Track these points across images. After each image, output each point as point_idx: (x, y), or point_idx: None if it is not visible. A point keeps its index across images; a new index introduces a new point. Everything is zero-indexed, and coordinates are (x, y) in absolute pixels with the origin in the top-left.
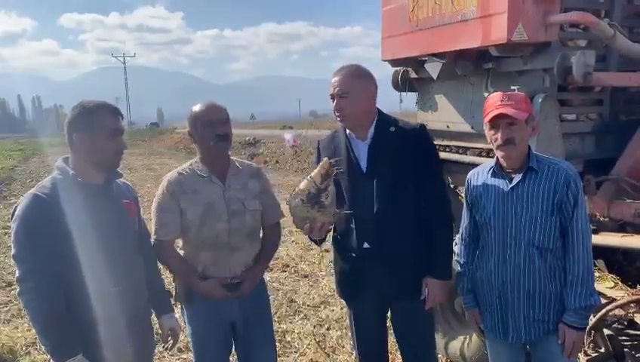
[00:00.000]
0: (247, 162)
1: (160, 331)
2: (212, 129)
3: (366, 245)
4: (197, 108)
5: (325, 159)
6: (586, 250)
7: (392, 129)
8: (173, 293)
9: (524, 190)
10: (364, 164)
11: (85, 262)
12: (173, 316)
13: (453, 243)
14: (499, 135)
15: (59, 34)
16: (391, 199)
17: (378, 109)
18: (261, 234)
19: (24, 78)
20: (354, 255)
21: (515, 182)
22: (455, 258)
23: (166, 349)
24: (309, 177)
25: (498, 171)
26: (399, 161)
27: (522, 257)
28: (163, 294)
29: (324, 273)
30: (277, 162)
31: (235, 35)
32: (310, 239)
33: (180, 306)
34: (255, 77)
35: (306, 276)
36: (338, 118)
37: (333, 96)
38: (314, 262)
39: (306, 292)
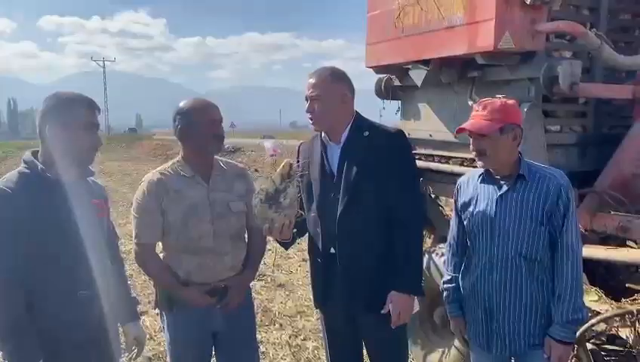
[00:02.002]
0: (232, 162)
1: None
2: (213, 128)
3: (332, 250)
4: (196, 105)
5: (286, 160)
6: (575, 262)
7: (366, 133)
8: (154, 299)
9: (513, 198)
10: (334, 168)
11: (51, 263)
12: (139, 324)
13: (436, 255)
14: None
15: (38, 36)
16: (356, 204)
17: (357, 113)
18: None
19: (0, 79)
20: (320, 260)
21: (504, 189)
22: (442, 265)
23: (130, 359)
24: (269, 177)
25: (487, 178)
26: (369, 165)
27: (509, 267)
28: (129, 300)
29: (301, 283)
30: (256, 170)
31: (218, 43)
32: (277, 242)
33: (160, 313)
34: (237, 86)
35: (282, 285)
36: (310, 121)
37: (307, 98)
38: (291, 271)
39: (282, 301)
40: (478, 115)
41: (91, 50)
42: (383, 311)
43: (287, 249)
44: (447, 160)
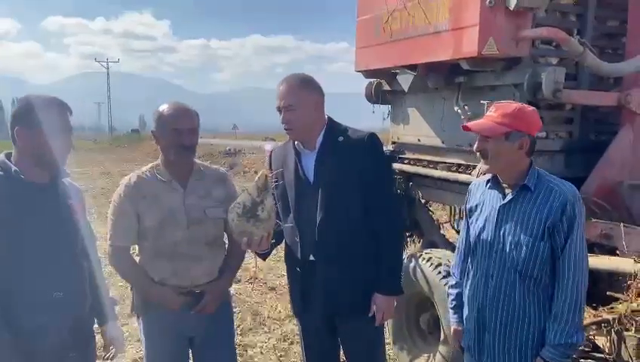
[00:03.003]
0: (213, 166)
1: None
2: (178, 138)
3: (311, 258)
4: (166, 110)
5: (262, 171)
6: (576, 283)
7: (341, 138)
8: (131, 303)
9: (515, 209)
10: (310, 175)
11: (25, 267)
12: (117, 325)
13: (422, 260)
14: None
15: (42, 37)
16: (335, 210)
17: (329, 118)
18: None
19: (4, 80)
20: (298, 269)
21: (507, 199)
22: (428, 270)
23: (106, 359)
24: (245, 189)
25: (494, 184)
26: (346, 171)
27: (504, 281)
28: (106, 301)
29: None
30: (256, 172)
31: (221, 45)
32: (255, 253)
33: (137, 317)
34: (239, 88)
35: (273, 288)
36: (286, 131)
37: (279, 109)
38: (283, 275)
39: (272, 305)
40: (489, 116)
41: (95, 51)
42: (369, 314)
43: (265, 259)
44: (435, 165)
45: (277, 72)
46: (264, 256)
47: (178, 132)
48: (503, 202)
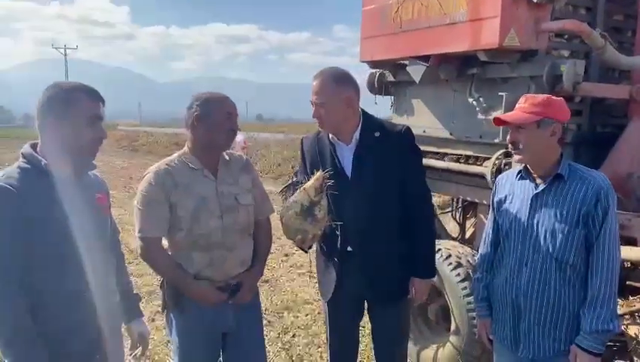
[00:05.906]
0: (236, 154)
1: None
2: (230, 121)
3: (349, 249)
4: (212, 96)
5: (320, 172)
6: (610, 270)
7: (377, 134)
8: (161, 298)
9: (549, 198)
10: (348, 170)
11: (56, 264)
12: (143, 321)
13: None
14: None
15: None
16: (375, 204)
17: (363, 111)
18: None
19: None
20: (337, 259)
21: (540, 188)
22: (474, 263)
23: (134, 357)
24: (302, 189)
25: (525, 175)
26: (384, 166)
27: (539, 268)
28: (132, 297)
29: (285, 278)
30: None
31: (181, 33)
32: (298, 246)
33: (166, 315)
34: (200, 77)
35: (266, 281)
36: (318, 125)
37: (312, 103)
38: (273, 267)
39: (267, 297)
40: (519, 107)
41: (50, 37)
42: (409, 296)
43: (307, 251)
44: (442, 156)
45: (239, 61)
46: (307, 249)
47: (230, 115)
48: (535, 191)
